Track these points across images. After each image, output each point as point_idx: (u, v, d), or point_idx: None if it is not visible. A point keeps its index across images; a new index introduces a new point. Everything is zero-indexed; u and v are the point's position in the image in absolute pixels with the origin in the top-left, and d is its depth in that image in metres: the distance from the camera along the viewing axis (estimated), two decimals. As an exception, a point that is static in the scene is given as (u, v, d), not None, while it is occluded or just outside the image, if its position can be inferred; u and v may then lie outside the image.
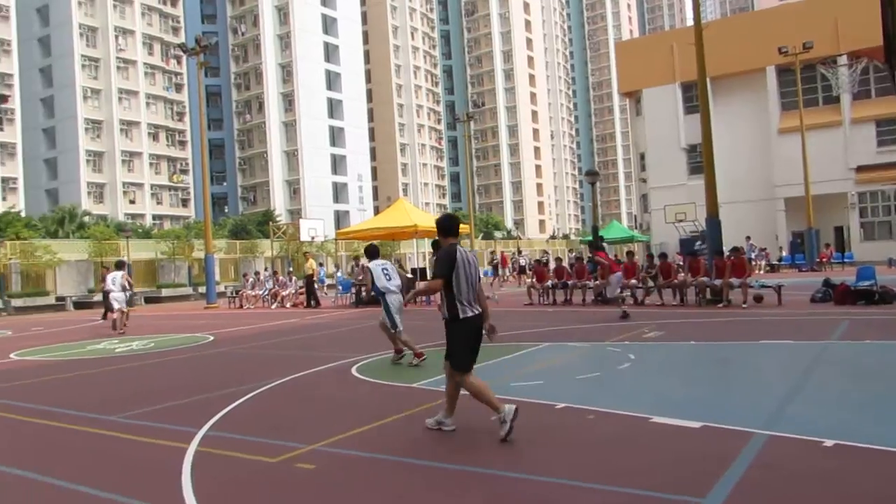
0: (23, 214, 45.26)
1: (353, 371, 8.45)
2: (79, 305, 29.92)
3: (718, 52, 29.68)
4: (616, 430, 5.29)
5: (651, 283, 15.71)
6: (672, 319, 12.08)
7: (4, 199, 50.59)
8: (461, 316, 5.20)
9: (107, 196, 60.35)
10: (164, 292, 33.38)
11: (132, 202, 61.12)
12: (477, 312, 5.25)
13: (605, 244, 20.09)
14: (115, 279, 16.06)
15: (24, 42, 58.39)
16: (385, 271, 9.10)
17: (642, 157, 42.22)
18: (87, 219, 48.45)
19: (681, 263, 17.86)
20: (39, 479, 4.92)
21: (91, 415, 6.72)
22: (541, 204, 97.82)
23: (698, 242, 22.71)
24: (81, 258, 33.14)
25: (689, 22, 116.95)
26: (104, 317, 19.39)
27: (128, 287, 16.10)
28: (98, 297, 29.29)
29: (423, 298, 19.52)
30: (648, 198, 40.65)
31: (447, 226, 5.41)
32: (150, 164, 62.29)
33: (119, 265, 16.74)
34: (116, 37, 59.89)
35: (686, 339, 9.48)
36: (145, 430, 6.05)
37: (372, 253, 9.41)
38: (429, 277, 7.38)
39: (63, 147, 59.55)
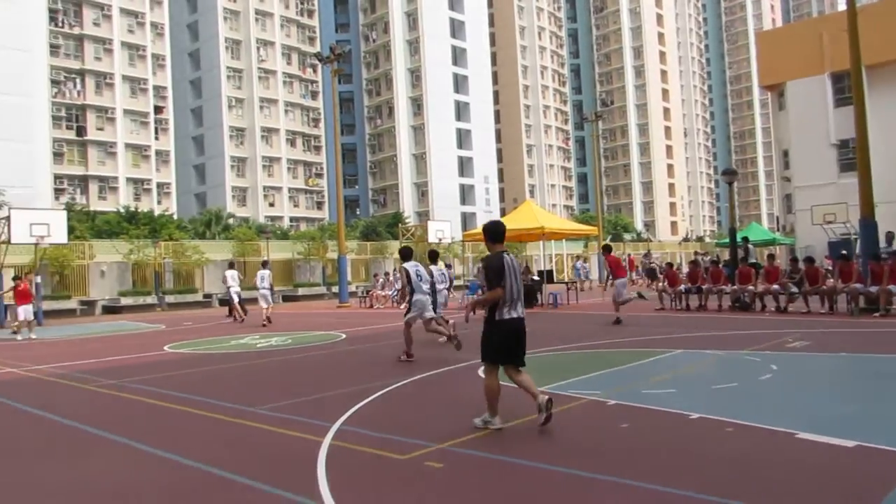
0: (175, 217, 50.30)
1: (481, 373, 8.50)
2: (224, 302, 32.71)
3: (874, 39, 28.03)
4: (757, 446, 5.04)
5: (795, 289, 15.19)
6: (820, 329, 11.63)
7: (160, 202, 56.52)
8: (497, 318, 5.67)
9: (249, 199, 65.57)
10: (300, 291, 35.64)
11: (271, 205, 65.97)
12: (517, 315, 5.69)
13: (750, 245, 19.06)
14: (262, 277, 18.43)
15: (176, 56, 64.96)
16: (418, 274, 10.38)
17: (785, 154, 39.00)
18: (231, 221, 52.88)
19: (829, 268, 17.21)
20: (182, 462, 5.32)
21: (233, 405, 7.22)
22: (673, 205, 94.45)
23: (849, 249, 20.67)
24: (226, 258, 36.21)
25: (841, 7, 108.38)
26: (230, 314, 21.26)
27: (270, 286, 18.21)
28: (247, 295, 31.54)
29: (550, 301, 20.48)
30: (792, 198, 37.61)
31: (496, 232, 5.81)
32: (288, 168, 66.87)
33: (263, 264, 19.89)
34: (258, 48, 64.97)
35: (836, 351, 9.03)
36: (283, 422, 6.40)
37: (406, 255, 10.58)
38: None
39: (210, 153, 65.60)
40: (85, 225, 37.33)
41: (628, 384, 7.28)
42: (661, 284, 18.51)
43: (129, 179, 54.93)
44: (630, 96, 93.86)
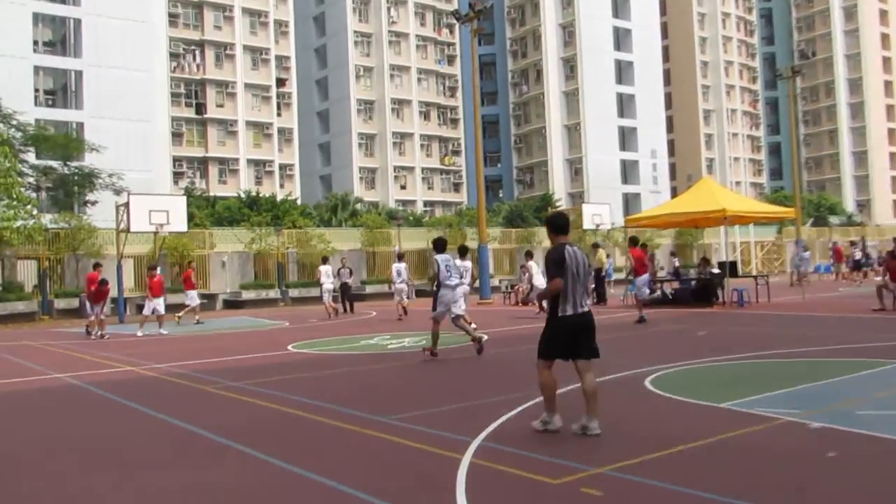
0: (298, 202, 53.36)
1: (647, 383, 8.47)
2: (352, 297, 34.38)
3: None
4: None
5: None
6: None
7: (282, 186, 60.32)
8: (560, 313, 6.32)
9: (378, 181, 67.97)
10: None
11: (403, 187, 67.91)
12: (581, 311, 6.32)
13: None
14: (399, 272, 19.50)
15: (300, 21, 68.76)
16: (448, 267, 11.82)
17: None
18: (358, 206, 55.29)
19: None
20: (308, 476, 5.51)
21: (362, 413, 7.48)
22: (895, 180, 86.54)
23: None
24: (354, 247, 37.93)
25: None
26: (348, 310, 22.64)
27: (407, 280, 19.22)
28: (383, 289, 33.38)
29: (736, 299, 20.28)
30: None
31: (558, 224, 6.50)
32: (421, 145, 68.54)
33: (399, 257, 21.83)
34: (388, 8, 67.07)
35: None
36: (417, 435, 6.54)
37: (440, 246, 12.06)
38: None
39: (336, 130, 68.75)
40: (204, 212, 40.58)
41: (837, 402, 7.01)
42: (881, 279, 18.00)
43: (249, 161, 59.06)
44: (838, 45, 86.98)
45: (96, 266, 19.86)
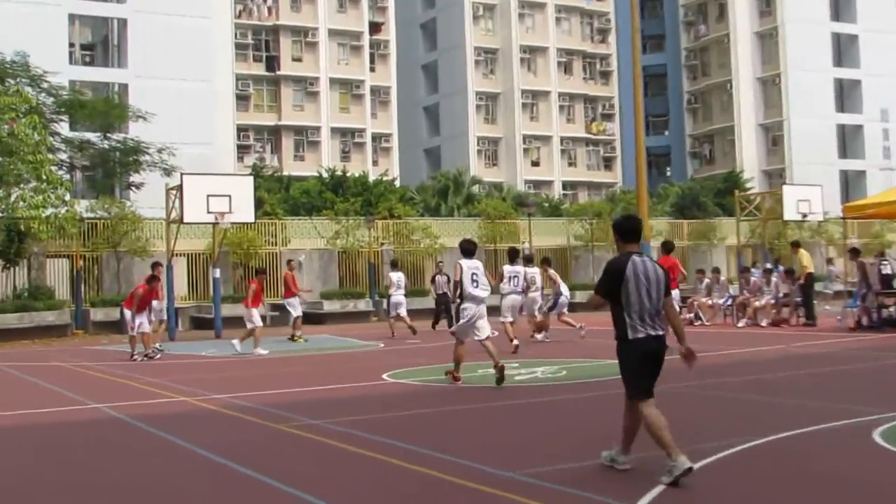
0: (397, 183, 54.36)
1: (875, 436, 8.36)
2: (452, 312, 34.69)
3: None
4: None
5: None
6: None
7: (376, 163, 61.45)
8: (630, 336, 6.96)
9: (502, 155, 68.32)
10: (577, 295, 36.26)
11: (535, 164, 68.02)
12: (653, 333, 6.95)
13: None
14: (523, 277, 19.28)
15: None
16: (475, 276, 13.10)
17: None
18: (476, 188, 55.72)
19: None
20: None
21: (482, 466, 7.51)
22: None
23: None
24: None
25: None
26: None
27: (537, 286, 19.37)
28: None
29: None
30: None
31: (626, 229, 7.22)
32: (561, 107, 68.38)
33: (527, 260, 21.51)
34: (515, -77, 67.32)
35: None
36: (554, 497, 6.53)
37: (468, 250, 13.51)
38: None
39: (447, 89, 69.50)
40: (276, 196, 41.89)
41: None
42: None
43: (334, 130, 60.67)
44: None
45: (155, 269, 20.73)
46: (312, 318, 32.92)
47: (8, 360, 20.06)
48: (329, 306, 32.89)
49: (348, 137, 61.22)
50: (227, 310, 28.15)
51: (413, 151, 70.15)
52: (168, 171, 37.10)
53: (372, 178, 50.21)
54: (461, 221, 40.81)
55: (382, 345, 21.98)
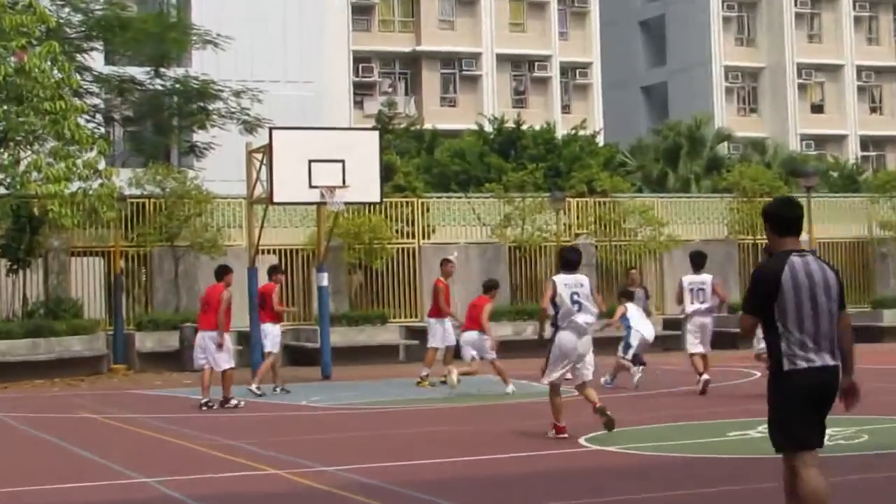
0: (601, 141, 53.91)
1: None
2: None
3: None
4: None
5: None
6: None
7: (567, 109, 60.79)
8: (785, 367, 7.22)
9: (763, 97, 67.40)
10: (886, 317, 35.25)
11: (816, 109, 66.70)
12: (822, 364, 7.20)
13: None
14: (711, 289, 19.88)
15: None
16: (575, 296, 14.67)
17: None
18: (722, 149, 54.62)
19: None
20: None
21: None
22: None
23: None
24: (711, 235, 37.83)
25: None
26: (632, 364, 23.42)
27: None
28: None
29: None
30: None
31: (778, 216, 7.56)
32: (857, 19, 66.75)
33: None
34: None
35: None
36: None
37: (569, 262, 15.41)
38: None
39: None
40: (414, 162, 42.18)
41: None
42: None
43: (502, 59, 60.58)
44: None
45: (223, 274, 21.21)
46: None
47: (16, 409, 20.76)
48: (499, 329, 32.66)
49: (524, 70, 61.22)
50: (340, 335, 28.52)
51: (624, 91, 69.92)
52: (250, 126, 37.69)
53: (561, 132, 50.00)
54: (701, 201, 40.16)
55: (577, 392, 21.85)
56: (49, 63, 26.60)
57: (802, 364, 7.10)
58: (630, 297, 23.88)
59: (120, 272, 31.81)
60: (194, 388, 21.21)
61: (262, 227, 27.66)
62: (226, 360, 19.86)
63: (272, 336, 22.50)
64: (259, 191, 26.90)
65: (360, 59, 59.32)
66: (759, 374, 23.43)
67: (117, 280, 31.63)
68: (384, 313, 33.27)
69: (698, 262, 21.24)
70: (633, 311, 23.56)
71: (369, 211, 32.06)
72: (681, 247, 35.11)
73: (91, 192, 27.41)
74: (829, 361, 7.16)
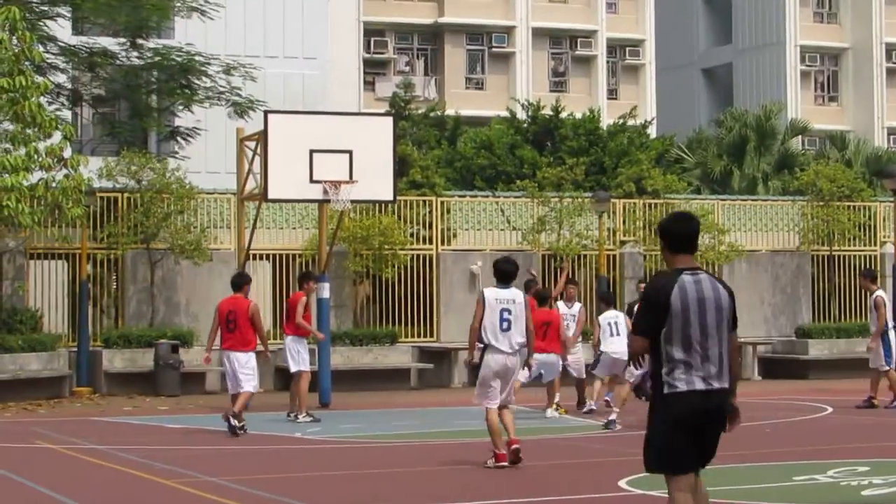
0: (653, 132, 54.13)
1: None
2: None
3: None
4: None
5: None
6: None
7: (614, 94, 61.02)
8: (665, 390, 8.03)
9: (845, 83, 67.83)
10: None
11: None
12: (706, 388, 8.00)
13: None
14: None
15: None
16: (506, 312, 16.14)
17: None
18: (796, 144, 54.52)
19: None
20: None
21: None
22: None
23: None
24: (779, 245, 37.83)
25: None
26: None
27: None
28: (848, 352, 33.71)
29: None
30: None
31: (671, 232, 8.47)
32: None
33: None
34: None
35: None
36: None
37: (502, 274, 17.04)
38: None
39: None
40: (434, 153, 42.28)
41: None
42: None
43: (539, 34, 60.94)
44: None
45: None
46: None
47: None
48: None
49: (564, 47, 61.41)
50: (341, 357, 28.60)
51: (682, 74, 70.13)
52: (241, 108, 37.77)
53: (606, 121, 50.12)
54: (769, 204, 40.05)
55: (619, 424, 21.92)
56: (7, 32, 26.64)
57: (683, 387, 7.87)
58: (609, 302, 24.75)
59: (86, 278, 31.77)
60: (170, 416, 21.32)
61: (253, 228, 27.80)
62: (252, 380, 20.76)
63: (293, 351, 22.99)
64: (251, 185, 27.07)
65: (373, 32, 59.52)
66: (830, 409, 23.63)
67: (83, 288, 31.60)
68: (394, 331, 33.23)
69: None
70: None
71: (380, 211, 32.14)
72: (744, 258, 35.10)
73: (54, 185, 27.43)
74: (714, 385, 7.94)
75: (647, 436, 8.25)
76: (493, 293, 16.10)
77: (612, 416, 21.75)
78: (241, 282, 21.51)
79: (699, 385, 7.88)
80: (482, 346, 15.85)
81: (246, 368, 20.79)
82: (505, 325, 15.79)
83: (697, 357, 7.91)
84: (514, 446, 15.75)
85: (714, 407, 7.97)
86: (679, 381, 7.89)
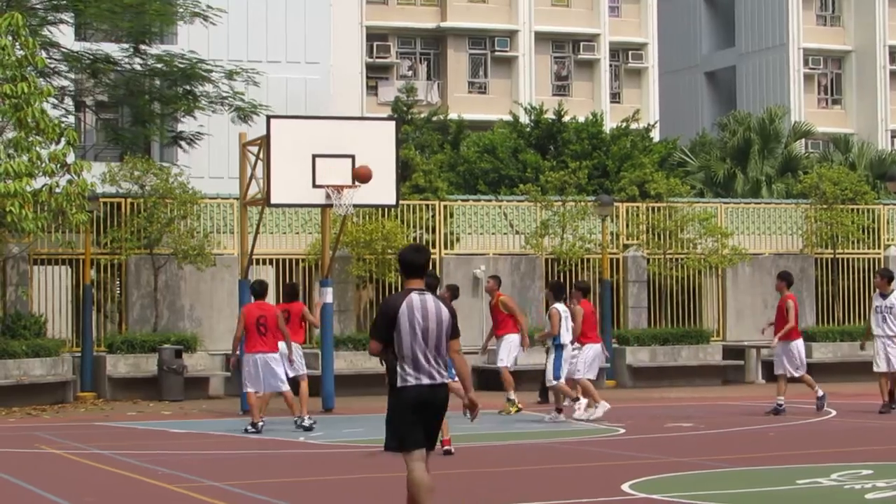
0: (656, 136, 54.02)
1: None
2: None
3: None
4: None
5: None
6: None
7: (617, 97, 60.83)
8: (398, 384, 10.25)
9: (849, 86, 67.72)
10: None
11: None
12: (429, 382, 10.23)
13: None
14: None
15: None
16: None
17: None
18: (799, 147, 54.37)
19: None
20: None
21: None
22: None
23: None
24: (783, 248, 37.80)
25: None
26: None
27: None
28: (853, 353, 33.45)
29: None
30: None
31: (408, 262, 10.59)
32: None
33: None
34: None
35: None
36: None
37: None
38: None
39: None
40: (437, 158, 42.23)
41: None
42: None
43: (542, 38, 60.89)
44: None
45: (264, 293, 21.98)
46: (493, 376, 33.05)
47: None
48: (522, 358, 32.75)
49: (567, 51, 61.36)
50: (345, 361, 28.61)
51: (685, 77, 70.16)
52: (244, 113, 37.54)
53: (609, 125, 50.07)
54: (772, 207, 40.13)
55: (623, 429, 22.09)
56: (10, 38, 26.60)
57: (411, 381, 10.13)
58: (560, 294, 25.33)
59: (90, 284, 31.87)
60: (174, 421, 21.36)
61: (256, 233, 27.76)
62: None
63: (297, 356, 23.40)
64: (254, 190, 27.01)
65: (375, 37, 59.54)
66: (833, 412, 23.61)
67: (87, 293, 31.71)
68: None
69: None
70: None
71: (383, 215, 32.14)
72: (748, 261, 35.12)
73: (58, 190, 27.41)
74: (436, 380, 10.22)
75: (386, 421, 10.36)
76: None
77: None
78: (262, 290, 22.47)
79: (424, 380, 10.13)
80: None
81: (280, 367, 21.96)
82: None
83: (422, 358, 10.15)
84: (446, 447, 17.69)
85: (436, 398, 10.28)
86: (409, 377, 10.14)
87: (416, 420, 10.27)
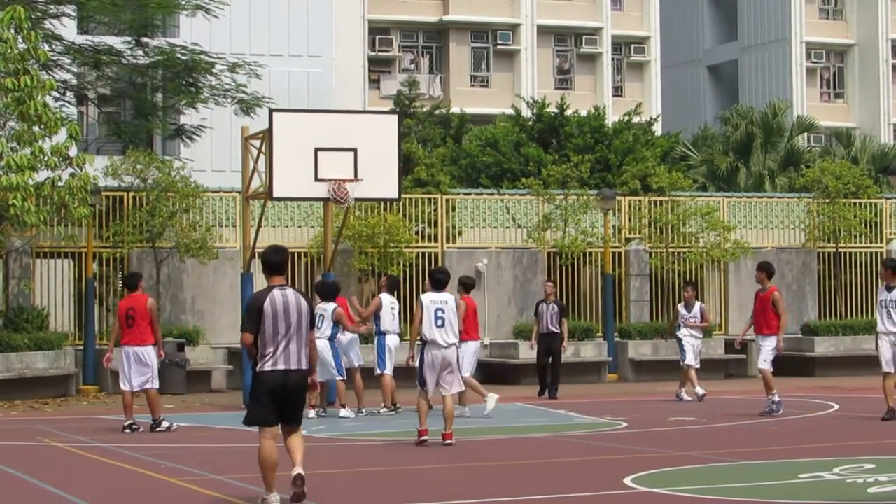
0: (658, 129, 53.65)
1: None
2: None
3: None
4: None
5: None
6: None
7: (619, 91, 60.78)
8: (258, 368, 12.08)
9: (852, 80, 68.00)
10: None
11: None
12: (285, 368, 12.06)
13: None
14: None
15: None
16: (440, 311, 19.20)
17: None
18: (802, 141, 54.36)
19: None
20: None
21: None
22: None
23: None
24: (786, 242, 37.91)
25: None
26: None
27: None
28: (855, 349, 33.74)
29: None
30: None
31: (270, 263, 12.46)
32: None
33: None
34: None
35: None
36: None
37: (436, 282, 19.89)
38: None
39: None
40: (439, 151, 42.15)
41: None
42: None
43: (544, 32, 60.93)
44: None
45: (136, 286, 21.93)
46: (496, 371, 32.92)
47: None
48: (526, 352, 32.72)
49: (569, 45, 61.28)
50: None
51: (687, 71, 70.18)
52: (247, 106, 37.59)
53: (612, 118, 49.99)
54: (774, 201, 40.08)
55: (625, 423, 22.15)
56: (12, 31, 26.56)
57: (269, 366, 11.89)
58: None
59: (92, 277, 32.00)
60: (175, 414, 21.39)
61: (259, 227, 27.67)
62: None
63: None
64: (256, 183, 26.95)
65: (377, 31, 59.45)
66: (836, 406, 23.58)
67: (89, 286, 31.84)
68: (400, 329, 33.22)
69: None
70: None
71: (385, 209, 32.13)
72: (750, 255, 35.11)
73: (60, 184, 27.40)
74: (293, 366, 12.01)
75: (248, 401, 12.55)
76: (429, 297, 19.46)
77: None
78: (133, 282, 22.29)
79: (281, 366, 11.87)
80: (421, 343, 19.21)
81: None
82: (439, 322, 19.03)
83: (281, 346, 11.88)
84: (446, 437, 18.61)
85: (292, 382, 11.99)
86: (268, 363, 11.86)
87: (270, 401, 11.87)
